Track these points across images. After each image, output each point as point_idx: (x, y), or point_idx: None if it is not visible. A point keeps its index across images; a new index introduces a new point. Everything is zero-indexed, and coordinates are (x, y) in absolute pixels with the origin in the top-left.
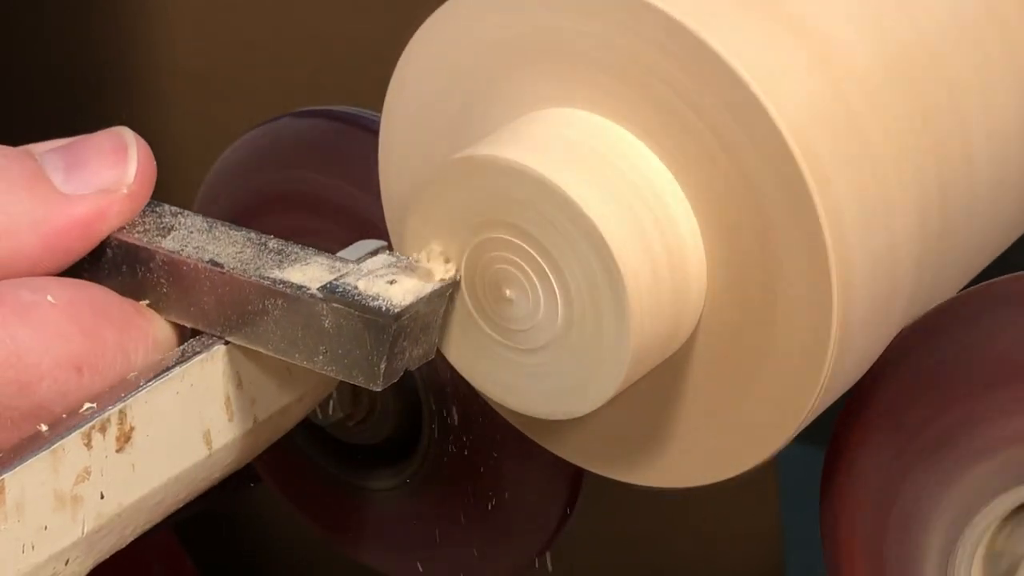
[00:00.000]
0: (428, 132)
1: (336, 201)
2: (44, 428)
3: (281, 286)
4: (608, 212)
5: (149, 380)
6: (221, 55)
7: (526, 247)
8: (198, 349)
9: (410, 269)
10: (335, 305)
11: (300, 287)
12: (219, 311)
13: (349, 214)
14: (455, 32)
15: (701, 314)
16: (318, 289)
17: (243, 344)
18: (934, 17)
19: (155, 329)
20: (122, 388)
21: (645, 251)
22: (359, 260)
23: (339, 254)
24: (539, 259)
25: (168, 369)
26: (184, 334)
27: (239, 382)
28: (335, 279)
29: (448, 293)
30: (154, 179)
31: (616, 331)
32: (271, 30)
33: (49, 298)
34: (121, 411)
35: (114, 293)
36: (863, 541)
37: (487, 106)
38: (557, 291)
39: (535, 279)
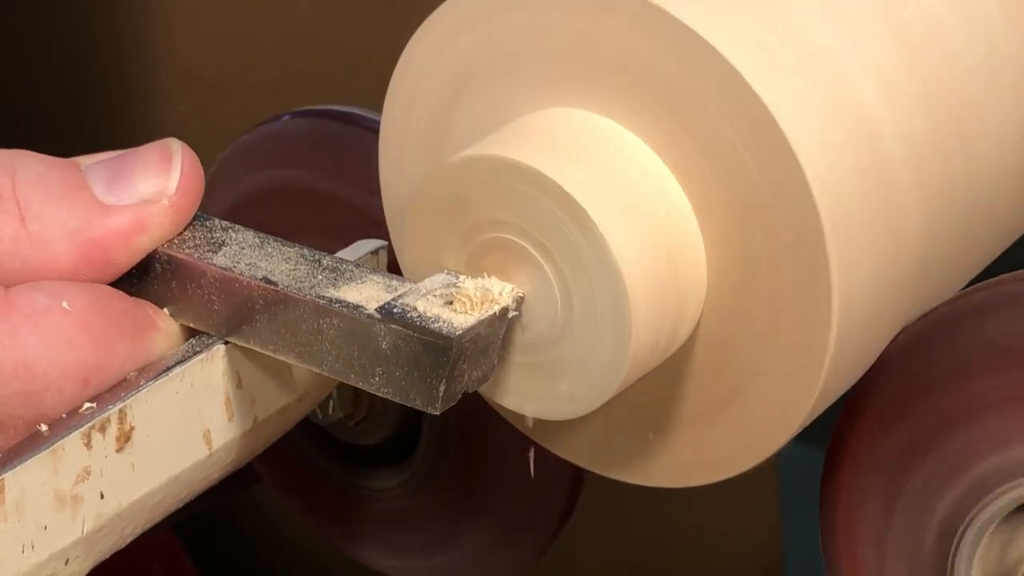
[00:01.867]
0: (428, 132)
1: (336, 200)
2: (44, 428)
3: (337, 306)
4: (608, 211)
5: (149, 380)
6: (221, 55)
7: (526, 246)
8: (198, 349)
9: (471, 290)
10: (393, 327)
11: (356, 307)
12: (272, 330)
13: (349, 213)
14: (455, 32)
15: (701, 314)
16: (376, 310)
17: (296, 363)
18: (939, 18)
19: (164, 340)
20: (122, 388)
21: (646, 250)
22: (414, 282)
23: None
24: (539, 258)
25: (168, 369)
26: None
27: (239, 382)
28: (393, 299)
29: (509, 315)
30: (200, 191)
31: (616, 331)
32: (271, 30)
33: (64, 304)
34: (121, 411)
35: (130, 298)
36: (863, 541)
37: (487, 106)
38: (557, 291)
39: (535, 279)
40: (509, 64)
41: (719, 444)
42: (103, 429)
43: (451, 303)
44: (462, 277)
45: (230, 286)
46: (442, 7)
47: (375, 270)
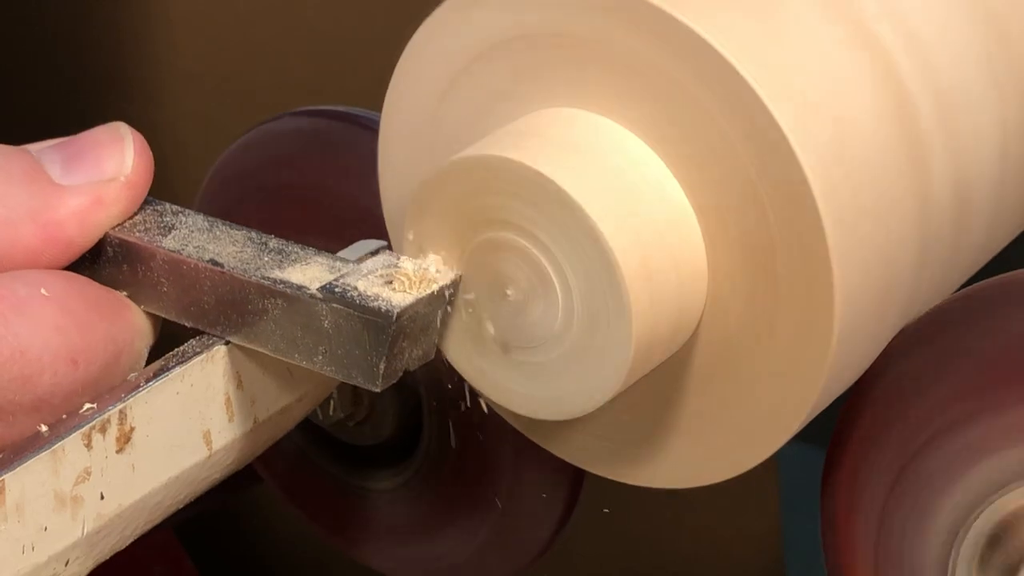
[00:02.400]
0: (428, 132)
1: (336, 200)
2: (44, 429)
3: (281, 286)
4: (609, 212)
5: (149, 380)
6: (221, 55)
7: (527, 247)
8: (198, 349)
9: (410, 270)
10: (334, 305)
11: (300, 287)
12: (219, 311)
13: (348, 213)
14: (455, 32)
15: (701, 315)
16: (317, 289)
17: (243, 344)
18: (939, 14)
19: (137, 319)
20: (122, 388)
21: (646, 251)
22: (359, 260)
23: (339, 254)
24: (540, 259)
25: (168, 369)
26: (158, 323)
27: (239, 382)
28: (335, 279)
29: (448, 294)
30: (152, 170)
31: (616, 332)
32: (271, 30)
33: (43, 291)
34: (121, 411)
35: (97, 284)
36: (863, 541)
37: (487, 106)
38: (558, 291)
39: (535, 279)
40: (509, 64)
41: (719, 444)
42: (103, 430)
43: (391, 282)
44: (403, 258)
45: (178, 268)
46: (442, 7)
47: (320, 252)
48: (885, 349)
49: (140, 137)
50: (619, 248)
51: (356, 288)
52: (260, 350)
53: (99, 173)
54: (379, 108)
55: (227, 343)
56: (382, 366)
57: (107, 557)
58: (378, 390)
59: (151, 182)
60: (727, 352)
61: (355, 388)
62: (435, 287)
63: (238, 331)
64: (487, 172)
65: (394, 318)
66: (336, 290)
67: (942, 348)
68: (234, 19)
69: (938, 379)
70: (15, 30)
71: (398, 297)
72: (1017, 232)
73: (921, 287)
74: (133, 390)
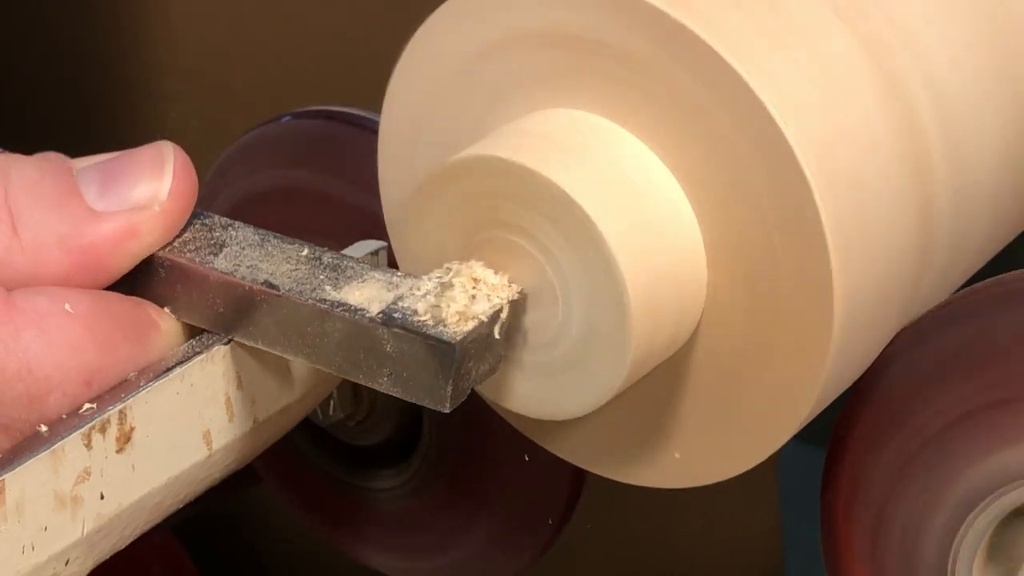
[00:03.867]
0: (427, 132)
1: (336, 201)
2: (44, 429)
3: (339, 310)
4: (609, 211)
5: (149, 380)
6: (221, 55)
7: (526, 246)
8: (198, 349)
9: (470, 288)
10: (396, 330)
11: (359, 310)
12: (279, 331)
13: (349, 214)
14: (454, 33)
15: (701, 315)
16: (377, 315)
17: (307, 362)
18: (938, 19)
19: (165, 342)
20: (122, 388)
21: (645, 251)
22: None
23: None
24: (539, 258)
25: (168, 369)
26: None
27: (239, 382)
28: (394, 302)
29: (510, 312)
30: (194, 193)
31: (616, 332)
32: (271, 30)
33: (67, 307)
34: (121, 411)
35: (130, 299)
36: (863, 541)
37: (487, 106)
38: (558, 291)
39: (536, 279)
40: (509, 64)
41: (719, 444)
42: (103, 430)
43: (452, 303)
44: (460, 277)
45: (233, 291)
46: (443, 7)
47: (375, 267)
48: (885, 349)
49: (183, 158)
50: (620, 250)
51: (416, 311)
52: (324, 369)
53: (134, 199)
54: (379, 108)
55: (227, 342)
56: (449, 389)
57: (107, 557)
58: (447, 411)
59: (193, 205)
60: (727, 352)
61: (355, 388)
62: (497, 306)
63: (299, 351)
64: (486, 172)
65: (459, 342)
66: (396, 315)
67: (941, 348)
68: (234, 19)
69: (937, 379)
70: (16, 30)
71: (461, 320)
72: (1016, 232)
73: (921, 288)
74: (133, 390)
